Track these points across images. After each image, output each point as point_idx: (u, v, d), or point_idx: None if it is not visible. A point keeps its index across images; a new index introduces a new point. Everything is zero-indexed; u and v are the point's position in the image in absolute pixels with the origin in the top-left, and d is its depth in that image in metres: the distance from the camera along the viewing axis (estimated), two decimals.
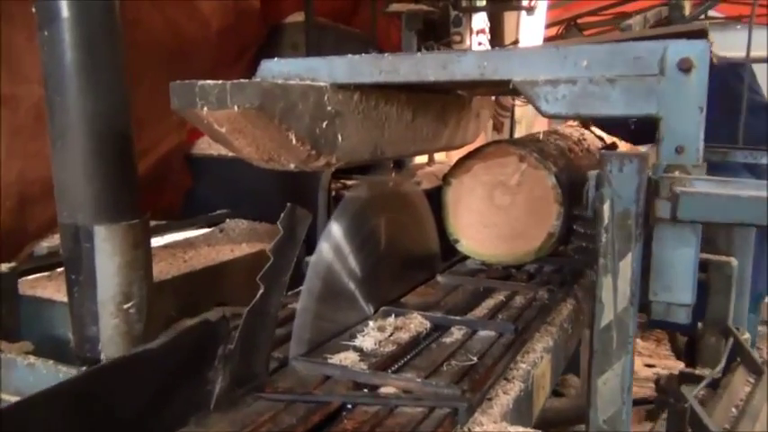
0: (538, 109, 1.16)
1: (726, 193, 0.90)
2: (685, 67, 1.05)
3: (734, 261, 1.80)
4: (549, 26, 5.48)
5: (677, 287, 1.08)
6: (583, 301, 2.21)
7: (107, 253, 1.49)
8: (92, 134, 1.45)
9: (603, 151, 1.24)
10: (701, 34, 1.24)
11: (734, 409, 1.47)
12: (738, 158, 2.38)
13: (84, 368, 1.48)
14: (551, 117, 1.23)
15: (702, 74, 1.06)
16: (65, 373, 1.45)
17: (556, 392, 2.08)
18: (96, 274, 1.49)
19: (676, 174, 1.05)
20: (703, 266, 1.38)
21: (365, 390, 1.37)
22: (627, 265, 1.05)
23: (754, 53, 3.04)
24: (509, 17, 4.31)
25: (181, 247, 2.28)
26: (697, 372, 1.83)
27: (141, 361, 1.12)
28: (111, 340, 1.53)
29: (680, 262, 1.07)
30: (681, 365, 3.94)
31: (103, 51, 1.45)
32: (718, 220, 0.90)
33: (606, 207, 1.05)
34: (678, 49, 1.06)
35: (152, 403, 1.14)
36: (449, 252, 2.34)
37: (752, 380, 1.64)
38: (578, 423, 2.15)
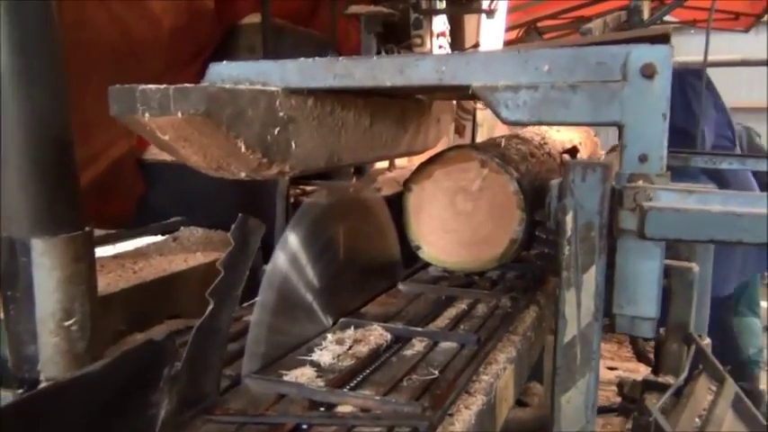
0: (498, 116, 1.12)
1: (695, 209, 0.86)
2: (648, 72, 1.02)
3: (695, 267, 1.79)
4: (508, 29, 5.50)
5: (642, 300, 1.05)
6: (545, 307, 2.19)
7: (45, 267, 1.40)
8: (27, 140, 1.36)
9: (566, 159, 1.21)
10: (664, 39, 1.22)
11: (697, 419, 1.45)
12: (699, 164, 2.40)
13: (20, 391, 1.40)
14: (512, 124, 1.19)
15: (665, 80, 1.03)
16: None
17: (519, 402, 2.05)
18: (34, 289, 1.40)
19: (640, 183, 1.02)
20: (665, 272, 1.36)
21: (322, 409, 1.31)
22: (591, 279, 1.01)
23: (711, 58, 3.08)
24: (469, 20, 4.29)
25: (131, 257, 2.19)
26: (660, 379, 1.81)
27: (79, 385, 1.04)
28: (50, 360, 1.44)
29: (644, 275, 1.04)
30: (642, 368, 3.99)
31: (39, 53, 1.36)
32: (688, 237, 0.87)
33: (569, 218, 1.01)
34: (641, 54, 1.03)
35: (92, 431, 1.06)
36: (410, 259, 2.30)
37: (714, 387, 1.63)
38: None
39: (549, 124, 2.79)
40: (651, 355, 3.35)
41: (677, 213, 0.85)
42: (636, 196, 0.99)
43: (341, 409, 1.30)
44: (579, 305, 1.02)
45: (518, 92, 1.09)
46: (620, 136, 1.06)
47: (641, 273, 1.04)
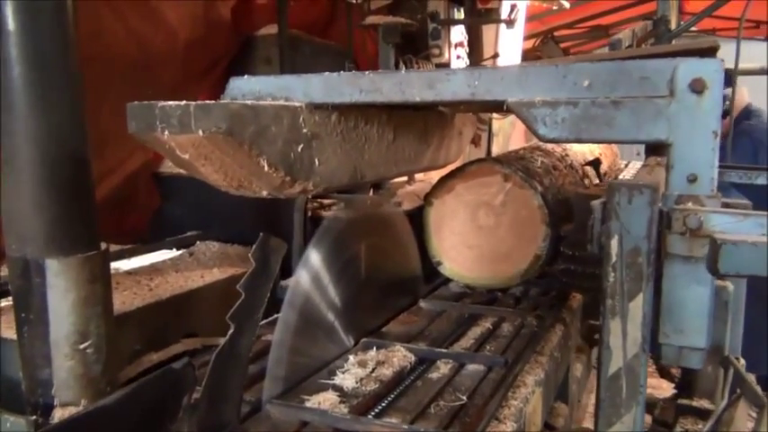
0: (535, 133, 1.06)
1: None
2: (698, 88, 0.96)
3: (730, 286, 1.72)
4: (525, 39, 5.44)
5: (690, 329, 0.98)
6: (571, 325, 2.12)
7: (60, 289, 1.35)
8: (42, 158, 1.31)
9: (611, 180, 1.15)
10: (711, 52, 1.16)
11: None
12: (733, 179, 2.32)
13: (33, 417, 1.35)
14: (550, 141, 1.13)
15: (716, 95, 0.97)
16: (12, 422, 1.31)
17: (546, 424, 1.98)
18: (48, 311, 1.35)
19: (690, 205, 0.96)
20: None
21: None
22: (637, 308, 0.95)
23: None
24: (488, 30, 4.24)
25: (147, 273, 2.14)
26: (695, 403, 1.74)
27: (95, 419, 0.99)
28: (65, 384, 1.39)
29: (693, 302, 0.98)
30: (665, 384, 3.88)
31: (55, 66, 1.32)
32: (766, 273, 0.80)
33: (614, 243, 0.95)
34: (690, 68, 0.97)
35: None
36: (431, 274, 2.24)
37: (753, 414, 1.55)
38: None
39: (590, 142, 2.73)
40: (674, 371, 3.26)
41: (754, 248, 0.79)
42: (686, 219, 0.93)
43: None
44: (625, 335, 0.95)
45: (556, 108, 1.03)
46: (667, 155, 1.00)
47: (690, 300, 0.98)
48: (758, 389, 1.60)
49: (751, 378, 1.66)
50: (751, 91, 4.32)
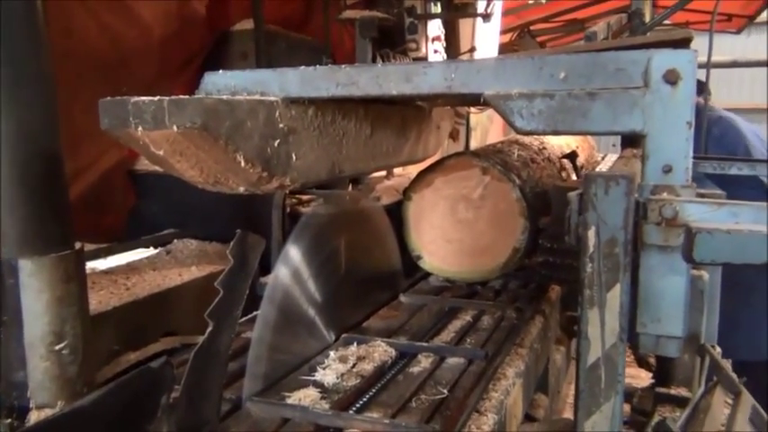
0: (512, 125, 1.06)
1: (748, 231, 0.80)
2: (672, 79, 0.97)
3: (705, 275, 1.74)
4: (501, 33, 5.45)
5: (667, 318, 0.99)
6: (550, 317, 2.13)
7: (34, 289, 1.33)
8: (13, 156, 1.29)
9: (587, 172, 1.15)
10: (684, 43, 1.17)
11: None
12: (707, 169, 2.35)
13: (8, 420, 1.33)
14: (527, 134, 1.13)
15: (690, 86, 0.97)
16: None
17: (526, 416, 1.99)
18: (22, 312, 1.33)
19: (665, 195, 0.97)
20: None
21: None
22: (615, 298, 0.95)
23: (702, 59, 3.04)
24: (464, 24, 4.24)
25: (123, 272, 2.12)
26: (672, 391, 1.76)
27: (71, 420, 0.98)
28: (41, 386, 1.37)
29: (670, 291, 0.99)
30: (643, 373, 3.93)
31: (26, 64, 1.29)
32: (739, 260, 0.81)
33: (591, 234, 0.95)
34: (663, 59, 0.98)
35: None
36: (411, 268, 2.24)
37: (729, 400, 1.57)
38: None
39: (567, 134, 2.74)
40: (652, 360, 3.30)
41: (728, 236, 0.80)
42: (661, 209, 0.94)
43: None
44: (603, 325, 0.96)
45: (533, 100, 1.03)
46: (642, 146, 1.01)
47: (666, 289, 0.98)
48: (734, 376, 1.62)
49: (727, 366, 1.68)
50: (753, 83, 4.36)
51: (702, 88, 3.72)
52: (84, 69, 2.17)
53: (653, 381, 2.24)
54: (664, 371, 1.88)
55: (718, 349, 1.89)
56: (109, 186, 2.52)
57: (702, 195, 1.20)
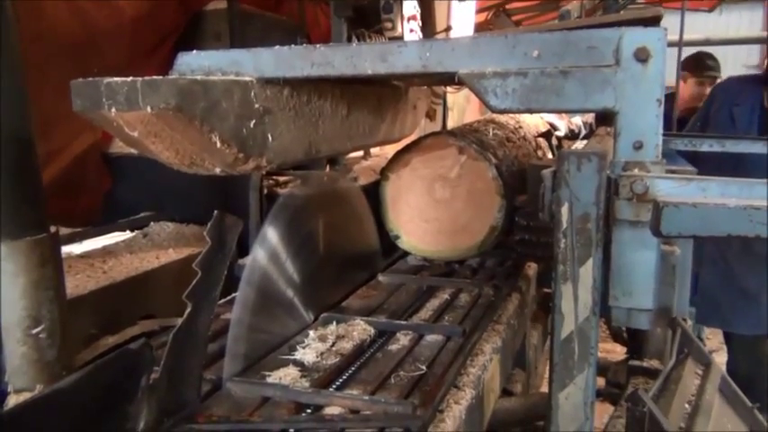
0: (487, 104, 1.07)
1: (713, 204, 0.82)
2: (642, 56, 0.98)
3: (677, 250, 1.78)
4: (477, 12, 5.44)
5: (638, 292, 1.02)
6: (527, 293, 2.17)
7: (9, 273, 1.32)
8: None
9: (561, 150, 1.17)
10: (654, 21, 1.18)
11: (686, 405, 1.44)
12: (679, 146, 2.38)
13: None
14: (501, 112, 1.14)
15: (659, 64, 0.99)
16: None
17: (504, 390, 2.03)
18: None
19: (636, 171, 0.99)
20: None
21: (308, 411, 1.26)
22: (587, 272, 0.97)
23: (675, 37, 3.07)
24: (440, 4, 4.23)
25: (100, 256, 2.10)
26: (645, 364, 1.81)
27: (51, 402, 0.98)
28: (19, 370, 1.36)
29: (640, 265, 1.01)
30: (618, 348, 4.00)
31: None
32: (705, 233, 0.83)
33: (564, 210, 0.97)
34: (634, 37, 0.99)
35: None
36: (389, 248, 2.25)
37: (700, 371, 1.62)
38: (532, 421, 2.11)
39: (540, 112, 2.76)
40: (626, 335, 3.36)
41: (694, 209, 0.82)
42: (632, 185, 0.96)
43: (328, 410, 1.25)
44: (576, 299, 0.98)
45: (506, 79, 1.04)
46: (614, 123, 1.02)
47: (637, 263, 1.01)
48: (704, 348, 1.67)
49: (697, 340, 1.73)
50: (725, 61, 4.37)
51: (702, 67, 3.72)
52: (54, 51, 2.13)
53: (627, 355, 2.29)
54: (637, 344, 1.92)
55: (690, 322, 1.93)
56: (83, 169, 2.49)
57: (673, 172, 1.22)
